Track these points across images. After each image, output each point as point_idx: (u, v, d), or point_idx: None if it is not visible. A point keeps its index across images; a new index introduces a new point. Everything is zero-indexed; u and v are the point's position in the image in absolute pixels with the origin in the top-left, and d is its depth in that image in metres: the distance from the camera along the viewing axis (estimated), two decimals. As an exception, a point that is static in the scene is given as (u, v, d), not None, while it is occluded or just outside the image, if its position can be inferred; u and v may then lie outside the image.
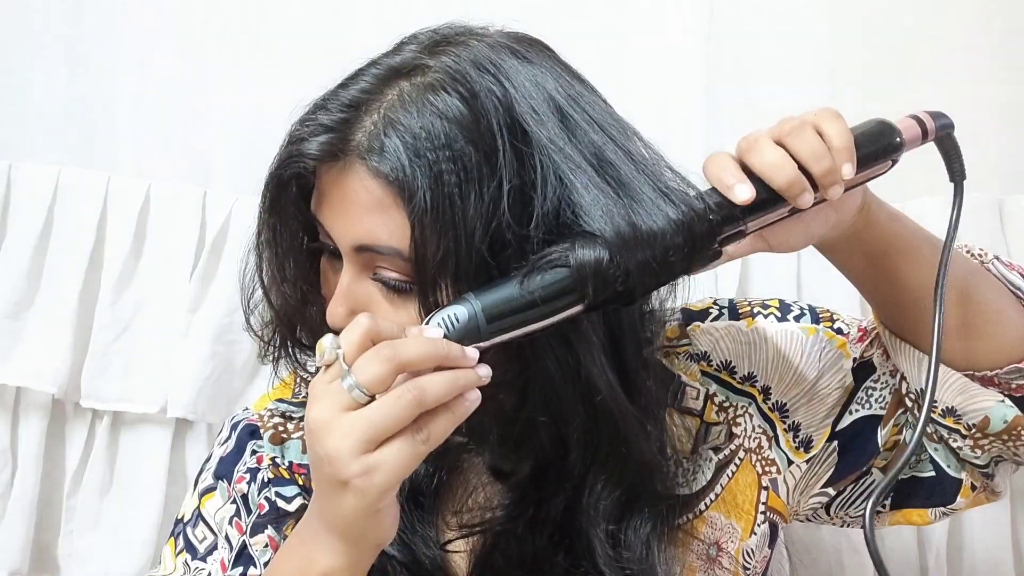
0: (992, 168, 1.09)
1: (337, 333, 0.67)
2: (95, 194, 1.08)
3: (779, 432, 0.80)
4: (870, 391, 0.80)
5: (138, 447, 1.09)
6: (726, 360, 0.80)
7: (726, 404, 0.80)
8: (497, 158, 0.63)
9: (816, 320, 0.82)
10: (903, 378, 0.78)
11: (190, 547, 0.76)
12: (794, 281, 1.08)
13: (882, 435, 0.79)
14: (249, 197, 1.08)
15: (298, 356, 0.77)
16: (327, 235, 0.68)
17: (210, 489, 0.78)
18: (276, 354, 0.76)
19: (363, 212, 0.65)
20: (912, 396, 0.78)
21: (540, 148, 0.64)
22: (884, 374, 0.80)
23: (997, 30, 1.09)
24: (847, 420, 0.79)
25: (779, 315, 0.82)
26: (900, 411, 0.79)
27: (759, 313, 0.82)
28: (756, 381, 0.80)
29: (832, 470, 0.80)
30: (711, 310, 0.83)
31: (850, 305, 1.06)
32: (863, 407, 0.79)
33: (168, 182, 1.10)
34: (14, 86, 1.10)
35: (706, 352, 0.81)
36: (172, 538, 0.78)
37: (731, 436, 0.79)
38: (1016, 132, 1.09)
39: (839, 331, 0.81)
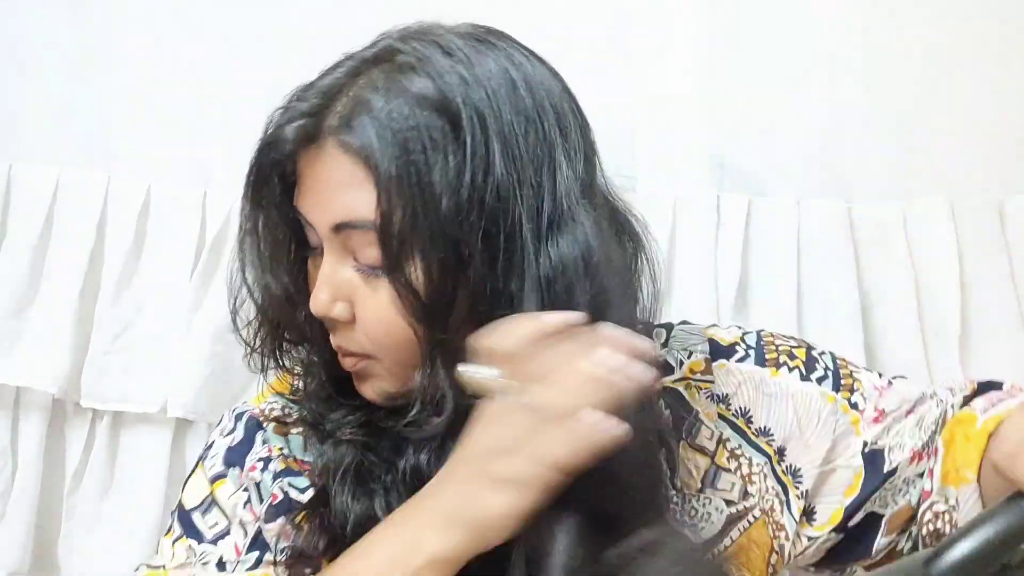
0: (992, 168, 1.09)
1: (321, 323, 0.69)
2: (95, 194, 1.08)
3: (791, 497, 0.78)
4: (884, 494, 0.77)
5: (138, 447, 1.09)
6: (745, 407, 0.80)
7: (738, 451, 0.79)
8: (461, 131, 0.66)
9: (837, 387, 0.79)
10: (935, 501, 0.74)
11: (195, 533, 0.75)
12: (794, 280, 1.08)
13: (880, 542, 0.77)
14: (249, 197, 1.08)
15: (283, 360, 0.77)
16: (309, 226, 0.70)
17: (220, 476, 0.77)
18: (263, 361, 0.77)
19: (337, 190, 0.67)
20: (939, 513, 0.74)
21: (495, 134, 0.67)
22: (903, 480, 0.77)
23: (999, 30, 1.09)
24: (859, 517, 0.77)
25: (803, 372, 0.80)
26: (908, 519, 0.77)
27: (785, 364, 0.80)
28: (772, 439, 0.79)
29: (822, 556, 0.79)
30: (738, 347, 0.82)
31: (850, 305, 1.06)
32: (874, 505, 0.77)
33: (168, 182, 1.10)
34: (14, 86, 1.10)
35: (727, 395, 0.80)
36: (169, 529, 0.77)
37: (746, 495, 0.78)
38: (1016, 132, 1.09)
39: (855, 405, 0.79)
